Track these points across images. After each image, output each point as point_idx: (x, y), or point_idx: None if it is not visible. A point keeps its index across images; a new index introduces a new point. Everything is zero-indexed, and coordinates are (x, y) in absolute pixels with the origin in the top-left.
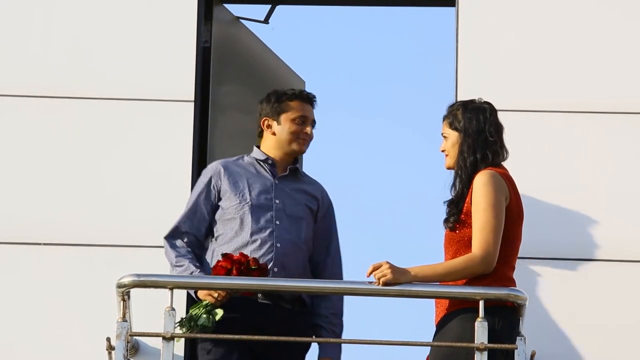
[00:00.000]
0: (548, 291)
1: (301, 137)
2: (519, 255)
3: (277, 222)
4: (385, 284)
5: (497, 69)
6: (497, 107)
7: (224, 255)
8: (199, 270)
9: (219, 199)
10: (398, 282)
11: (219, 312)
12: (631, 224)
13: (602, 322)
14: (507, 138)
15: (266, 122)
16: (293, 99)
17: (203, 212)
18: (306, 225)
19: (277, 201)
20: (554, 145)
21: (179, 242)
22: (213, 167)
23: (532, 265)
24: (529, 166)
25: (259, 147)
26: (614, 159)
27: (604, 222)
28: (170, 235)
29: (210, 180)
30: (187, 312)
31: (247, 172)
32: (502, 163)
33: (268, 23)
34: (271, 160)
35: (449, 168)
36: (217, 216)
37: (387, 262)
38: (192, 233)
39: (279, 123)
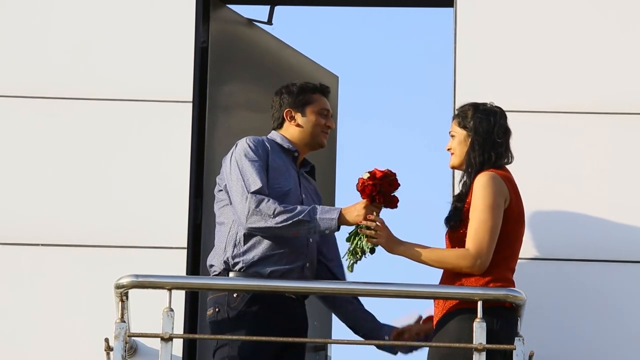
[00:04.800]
0: (547, 291)
1: (325, 130)
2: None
3: None
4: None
5: (495, 69)
6: None
7: (370, 172)
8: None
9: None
10: (388, 248)
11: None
12: (631, 224)
13: (601, 323)
14: None
15: (290, 113)
16: (316, 92)
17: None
18: None
19: (303, 196)
20: (552, 145)
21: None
22: (260, 143)
23: (531, 265)
24: (528, 167)
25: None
26: (613, 160)
27: (604, 222)
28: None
29: (262, 154)
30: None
31: (281, 158)
32: (506, 166)
33: (272, 24)
34: (297, 153)
35: (453, 167)
36: None
37: (387, 228)
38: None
39: (303, 115)
